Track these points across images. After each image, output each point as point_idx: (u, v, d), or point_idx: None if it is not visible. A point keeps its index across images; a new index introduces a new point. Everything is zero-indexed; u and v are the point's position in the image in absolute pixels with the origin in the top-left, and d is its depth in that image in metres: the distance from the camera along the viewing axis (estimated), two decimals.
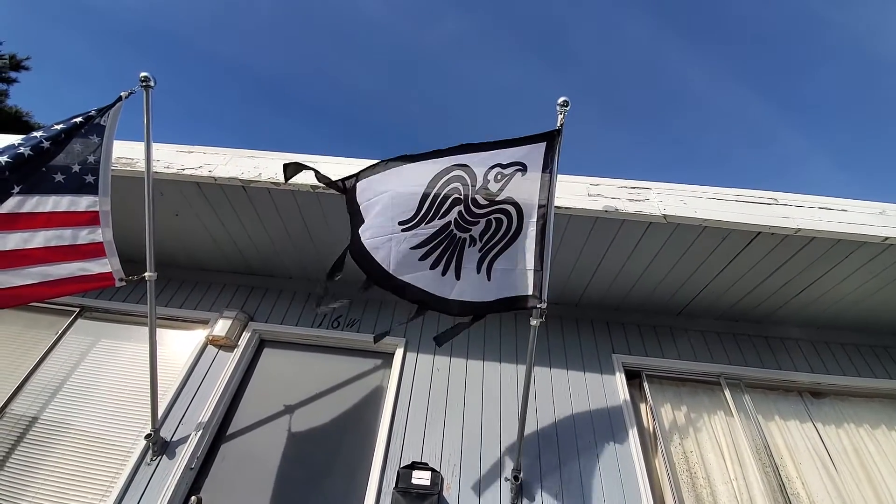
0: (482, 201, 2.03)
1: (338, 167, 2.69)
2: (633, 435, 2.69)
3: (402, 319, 3.26)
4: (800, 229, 2.41)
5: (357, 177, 2.08)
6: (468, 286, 2.05)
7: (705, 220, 2.44)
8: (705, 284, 2.96)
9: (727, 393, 2.93)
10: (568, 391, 2.91)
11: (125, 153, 2.70)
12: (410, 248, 2.04)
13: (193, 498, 2.48)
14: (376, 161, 2.12)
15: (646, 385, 2.96)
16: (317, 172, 2.11)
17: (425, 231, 2.04)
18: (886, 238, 2.42)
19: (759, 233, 2.47)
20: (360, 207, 2.06)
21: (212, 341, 3.07)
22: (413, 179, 2.04)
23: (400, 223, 2.03)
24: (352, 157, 2.77)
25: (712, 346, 3.18)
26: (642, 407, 2.92)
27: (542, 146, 2.01)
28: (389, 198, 2.03)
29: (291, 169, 2.13)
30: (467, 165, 2.02)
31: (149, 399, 2.49)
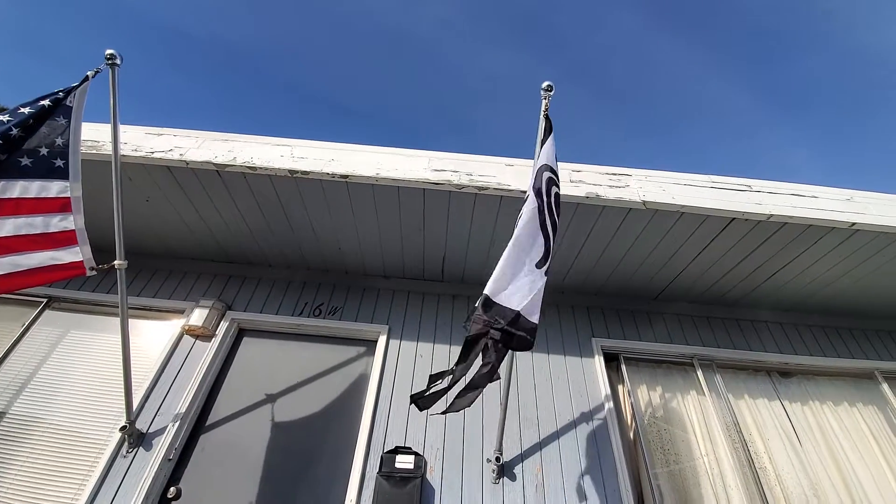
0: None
1: (317, 151, 2.63)
2: (611, 415, 2.77)
3: (387, 307, 3.26)
4: (772, 215, 2.48)
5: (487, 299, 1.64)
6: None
7: (683, 206, 2.48)
8: (681, 269, 3.03)
9: (700, 373, 3.03)
10: (549, 374, 2.96)
11: (91, 135, 2.57)
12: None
13: (172, 488, 2.46)
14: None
15: (623, 367, 3.03)
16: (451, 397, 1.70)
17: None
18: (854, 224, 2.51)
19: (734, 218, 2.52)
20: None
21: (188, 331, 3.00)
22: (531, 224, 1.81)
23: (537, 264, 1.75)
24: (333, 140, 2.70)
25: (687, 329, 3.28)
26: (620, 388, 3.00)
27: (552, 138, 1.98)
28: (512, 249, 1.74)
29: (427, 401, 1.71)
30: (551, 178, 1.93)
31: (122, 391, 2.42)
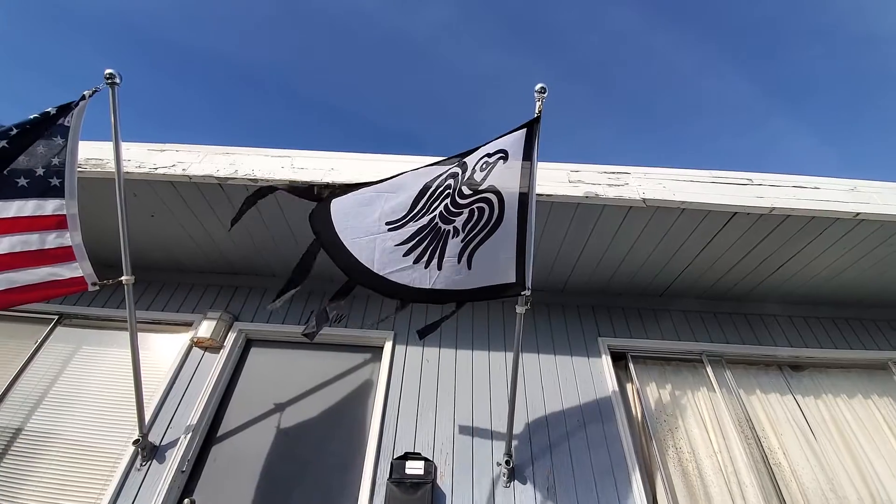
0: (467, 191, 2.06)
1: (317, 161, 2.66)
2: (621, 414, 2.75)
3: (387, 313, 3.26)
4: (774, 208, 2.46)
5: (334, 191, 2.20)
6: (449, 276, 2.06)
7: (683, 202, 2.47)
8: (686, 265, 3.01)
9: (709, 370, 3.00)
10: (556, 375, 2.95)
11: (94, 154, 2.63)
12: (395, 245, 2.13)
13: (186, 500, 2.47)
14: (360, 182, 2.25)
15: (631, 366, 3.02)
16: (288, 187, 2.28)
17: (411, 227, 2.12)
18: (858, 213, 2.49)
19: (736, 213, 2.51)
20: (333, 219, 2.19)
21: (197, 343, 3.03)
22: (409, 187, 2.16)
23: (387, 223, 2.14)
24: (329, 149, 2.73)
25: (694, 325, 3.25)
26: (628, 387, 2.98)
27: (522, 133, 2.02)
28: (383, 201, 2.16)
29: (255, 196, 2.28)
30: (465, 163, 2.12)
31: (134, 404, 2.45)
